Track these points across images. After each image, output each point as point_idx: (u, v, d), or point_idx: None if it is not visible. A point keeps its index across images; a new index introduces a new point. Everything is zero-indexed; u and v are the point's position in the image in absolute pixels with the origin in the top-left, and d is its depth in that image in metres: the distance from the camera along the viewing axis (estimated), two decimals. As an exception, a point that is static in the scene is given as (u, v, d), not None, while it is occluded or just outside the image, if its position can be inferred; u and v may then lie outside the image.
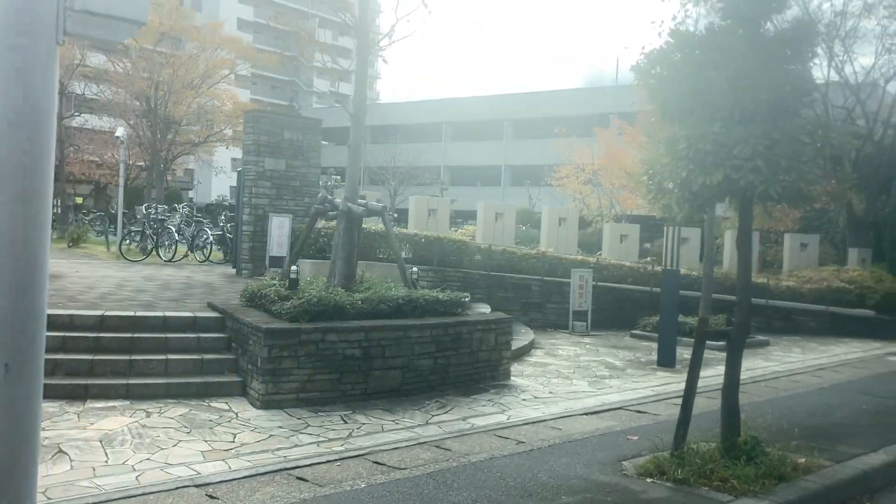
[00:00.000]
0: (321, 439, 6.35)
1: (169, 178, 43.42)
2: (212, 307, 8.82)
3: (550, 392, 8.73)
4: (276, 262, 13.31)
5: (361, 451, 5.95)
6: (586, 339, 13.25)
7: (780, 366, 11.44)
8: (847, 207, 24.62)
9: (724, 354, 6.33)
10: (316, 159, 14.36)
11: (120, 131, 20.50)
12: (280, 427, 6.62)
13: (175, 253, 17.07)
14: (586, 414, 7.75)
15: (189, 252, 17.87)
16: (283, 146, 13.88)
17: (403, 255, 15.46)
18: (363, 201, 8.90)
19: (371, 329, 7.63)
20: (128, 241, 18.00)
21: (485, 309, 12.32)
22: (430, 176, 51.10)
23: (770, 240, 24.53)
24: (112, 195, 35.39)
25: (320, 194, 9.05)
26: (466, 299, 9.12)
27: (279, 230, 13.58)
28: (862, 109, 24.87)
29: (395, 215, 18.91)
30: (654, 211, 28.95)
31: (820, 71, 24.86)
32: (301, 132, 14.12)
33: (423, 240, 14.84)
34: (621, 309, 14.97)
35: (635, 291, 15.65)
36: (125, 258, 16.95)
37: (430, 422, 7.10)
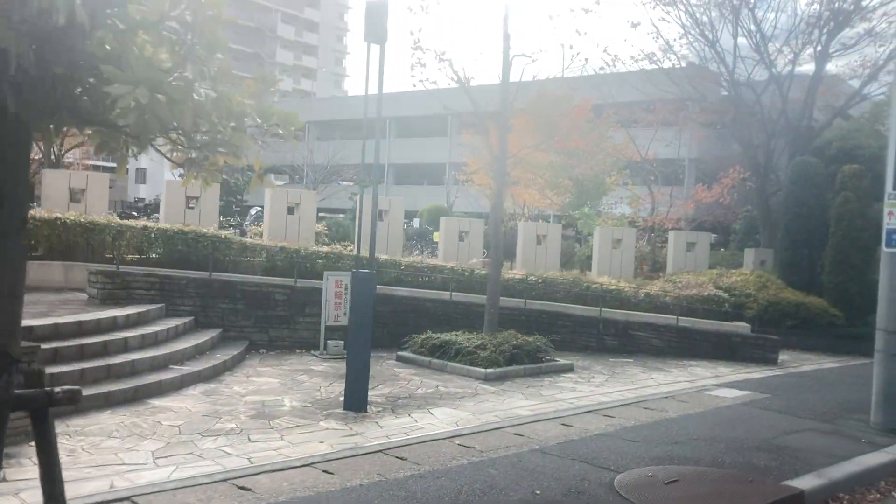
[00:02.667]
0: None
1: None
2: None
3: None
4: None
5: None
6: (322, 366, 10.02)
7: (540, 406, 8.24)
8: (758, 201, 21.51)
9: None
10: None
11: None
12: None
13: None
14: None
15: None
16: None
17: (142, 255, 12.22)
18: None
19: None
20: None
21: (172, 324, 9.11)
22: (352, 172, 47.76)
23: (663, 238, 21.38)
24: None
25: None
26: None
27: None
28: (779, 91, 21.73)
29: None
30: (552, 206, 25.94)
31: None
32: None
33: (153, 234, 11.60)
34: (406, 323, 11.74)
35: (433, 300, 12.42)
36: None
37: None
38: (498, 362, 9.73)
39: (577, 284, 14.35)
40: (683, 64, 22.55)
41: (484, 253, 16.57)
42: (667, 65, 22.61)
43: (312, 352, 10.88)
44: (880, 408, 7.73)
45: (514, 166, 26.68)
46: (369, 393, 8.44)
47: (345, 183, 51.26)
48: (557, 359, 10.72)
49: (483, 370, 9.54)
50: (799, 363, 12.78)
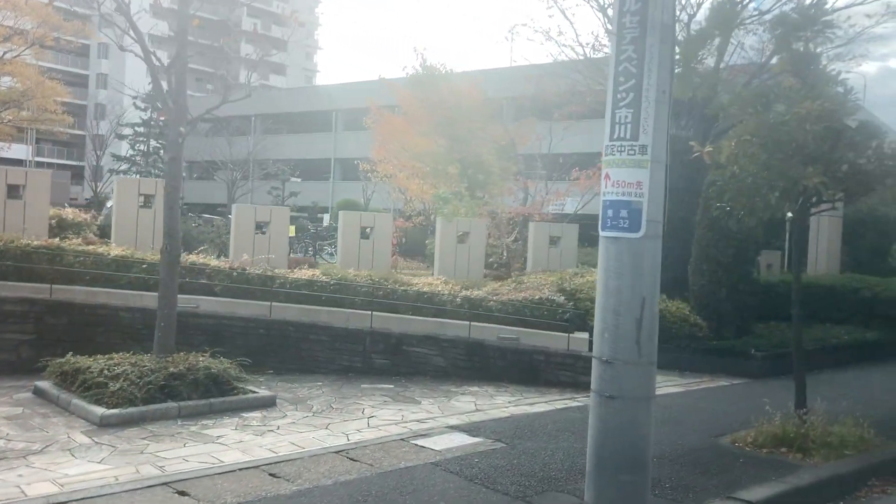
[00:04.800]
0: None
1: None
2: None
3: None
4: None
5: None
6: None
7: (87, 477, 5.38)
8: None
9: None
10: None
11: None
12: None
13: None
14: None
15: None
16: None
17: None
18: None
19: None
20: None
21: None
22: (277, 167, 44.68)
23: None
24: None
25: None
26: None
27: None
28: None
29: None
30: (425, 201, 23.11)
31: None
32: None
33: None
34: (92, 340, 8.76)
35: (132, 310, 9.43)
36: None
37: None
38: (133, 399, 6.85)
39: (380, 286, 11.49)
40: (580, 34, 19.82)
41: (301, 249, 13.70)
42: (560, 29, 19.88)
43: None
44: (592, 479, 4.92)
45: (399, 153, 23.98)
46: None
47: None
48: (255, 390, 7.84)
49: (101, 411, 6.67)
50: (626, 387, 9.96)
